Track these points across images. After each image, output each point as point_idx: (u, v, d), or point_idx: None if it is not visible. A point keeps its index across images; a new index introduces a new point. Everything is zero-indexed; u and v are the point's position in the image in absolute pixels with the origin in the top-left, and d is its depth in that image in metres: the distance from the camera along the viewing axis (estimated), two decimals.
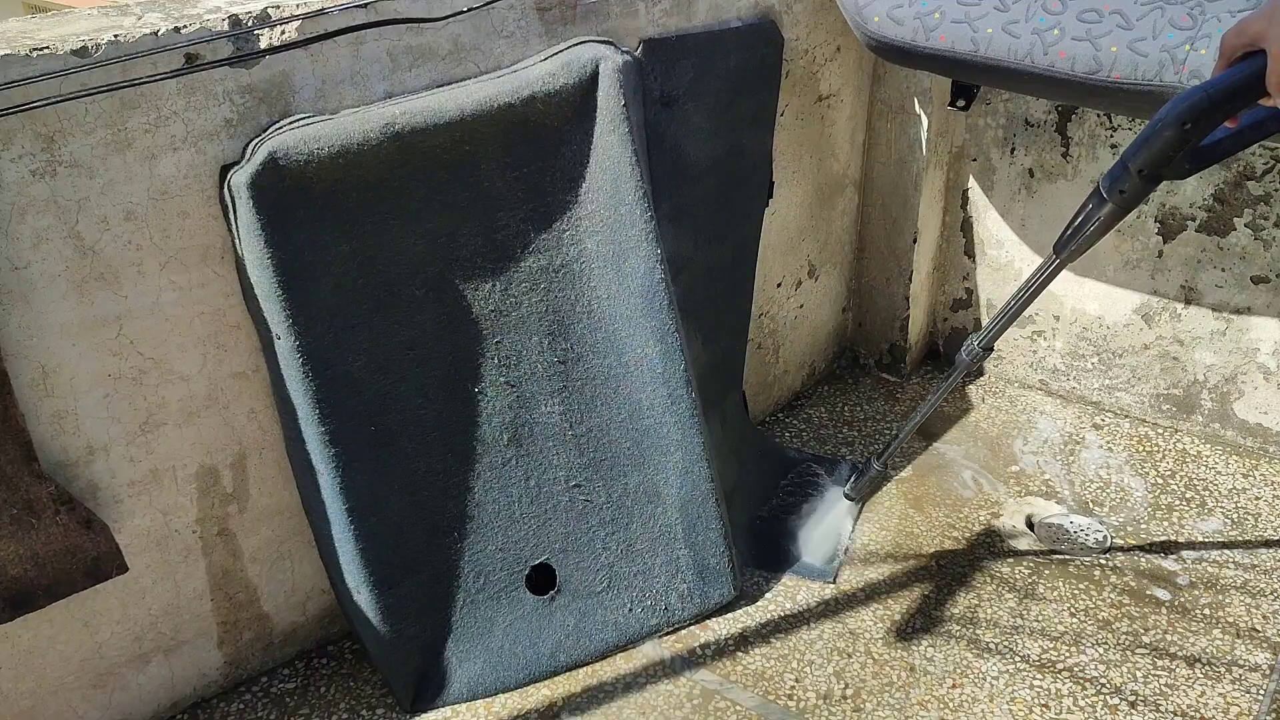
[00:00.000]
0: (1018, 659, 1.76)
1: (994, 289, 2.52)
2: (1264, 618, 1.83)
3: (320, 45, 1.45)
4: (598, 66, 1.63)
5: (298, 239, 1.46)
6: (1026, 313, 2.46)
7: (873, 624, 1.84)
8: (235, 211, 1.42)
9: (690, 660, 1.77)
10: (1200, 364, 2.28)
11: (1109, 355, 2.40)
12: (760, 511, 2.10)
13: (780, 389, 2.47)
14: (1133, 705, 1.67)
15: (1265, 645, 1.77)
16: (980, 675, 1.73)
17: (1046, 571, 1.95)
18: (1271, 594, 1.88)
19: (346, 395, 1.55)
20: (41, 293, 1.33)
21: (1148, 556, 1.98)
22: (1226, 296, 2.20)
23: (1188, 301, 2.25)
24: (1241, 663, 1.74)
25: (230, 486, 1.61)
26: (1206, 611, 1.85)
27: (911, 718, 1.66)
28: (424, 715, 1.67)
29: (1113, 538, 2.04)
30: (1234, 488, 2.17)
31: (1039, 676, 1.73)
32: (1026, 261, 2.43)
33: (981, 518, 2.10)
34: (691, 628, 1.83)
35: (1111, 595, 1.89)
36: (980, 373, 2.61)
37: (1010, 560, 1.98)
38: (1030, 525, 2.08)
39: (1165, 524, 2.07)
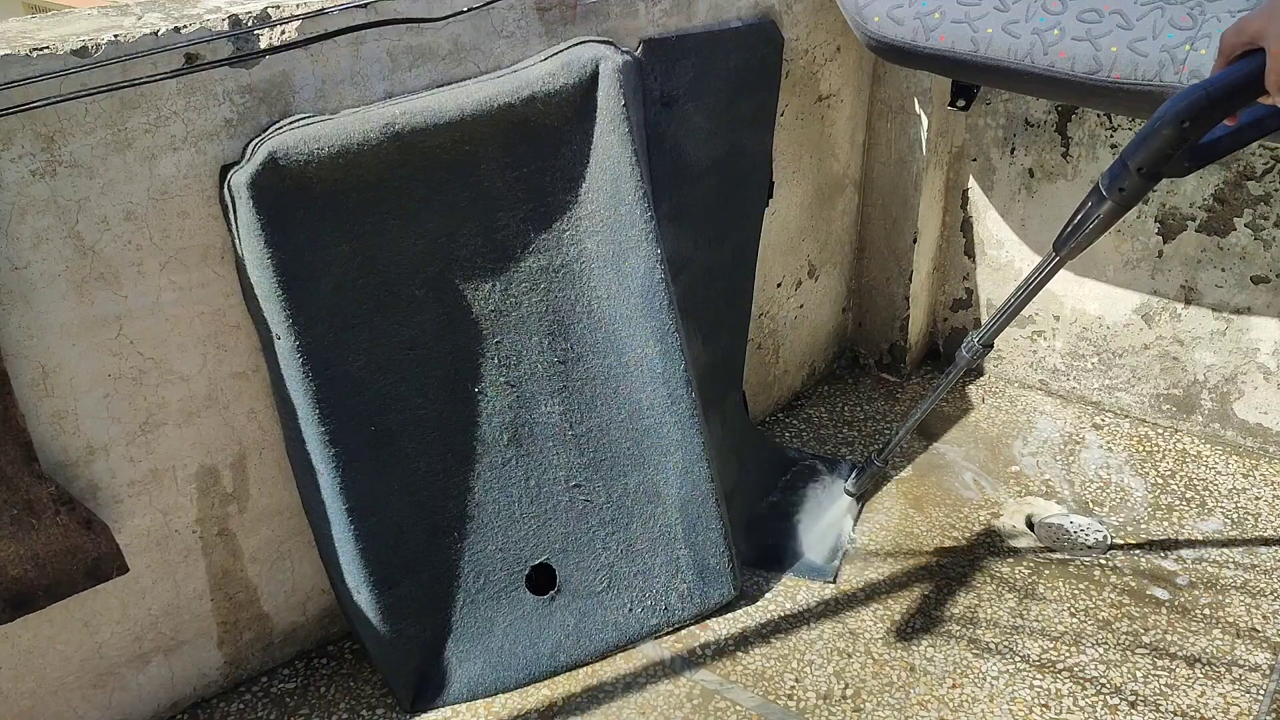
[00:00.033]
0: (1018, 659, 1.76)
1: (994, 289, 2.52)
2: (1264, 618, 1.83)
3: (320, 45, 1.45)
4: (598, 66, 1.63)
5: (298, 239, 1.46)
6: (1026, 313, 2.47)
7: (873, 624, 1.84)
8: (235, 211, 1.42)
9: (690, 660, 1.77)
10: (1200, 364, 2.28)
11: (1109, 355, 2.40)
12: (760, 508, 2.10)
13: (780, 389, 2.47)
14: (1133, 705, 1.67)
15: (1265, 645, 1.77)
16: (980, 675, 1.73)
17: (1046, 571, 1.95)
18: (1271, 594, 1.88)
19: (346, 395, 1.55)
20: (41, 293, 1.33)
21: (1148, 556, 1.98)
22: (1226, 296, 2.20)
23: (1188, 301, 2.25)
24: (1241, 663, 1.74)
25: (230, 486, 1.61)
26: (1206, 611, 1.85)
27: (911, 718, 1.66)
28: (424, 715, 1.67)
29: (1113, 538, 2.04)
30: (1234, 488, 2.17)
31: (1039, 676, 1.73)
32: (1026, 261, 2.43)
33: (981, 518, 2.10)
34: (691, 628, 1.83)
35: (1111, 595, 1.89)
36: (980, 373, 2.61)
37: (1010, 560, 1.98)
38: (1030, 525, 2.08)
39: (1165, 524, 2.07)
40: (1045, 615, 1.85)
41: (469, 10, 1.57)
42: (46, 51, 1.24)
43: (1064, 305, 2.42)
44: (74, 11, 1.42)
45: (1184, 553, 1.99)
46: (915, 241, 2.45)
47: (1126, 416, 2.41)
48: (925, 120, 2.32)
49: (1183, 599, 1.88)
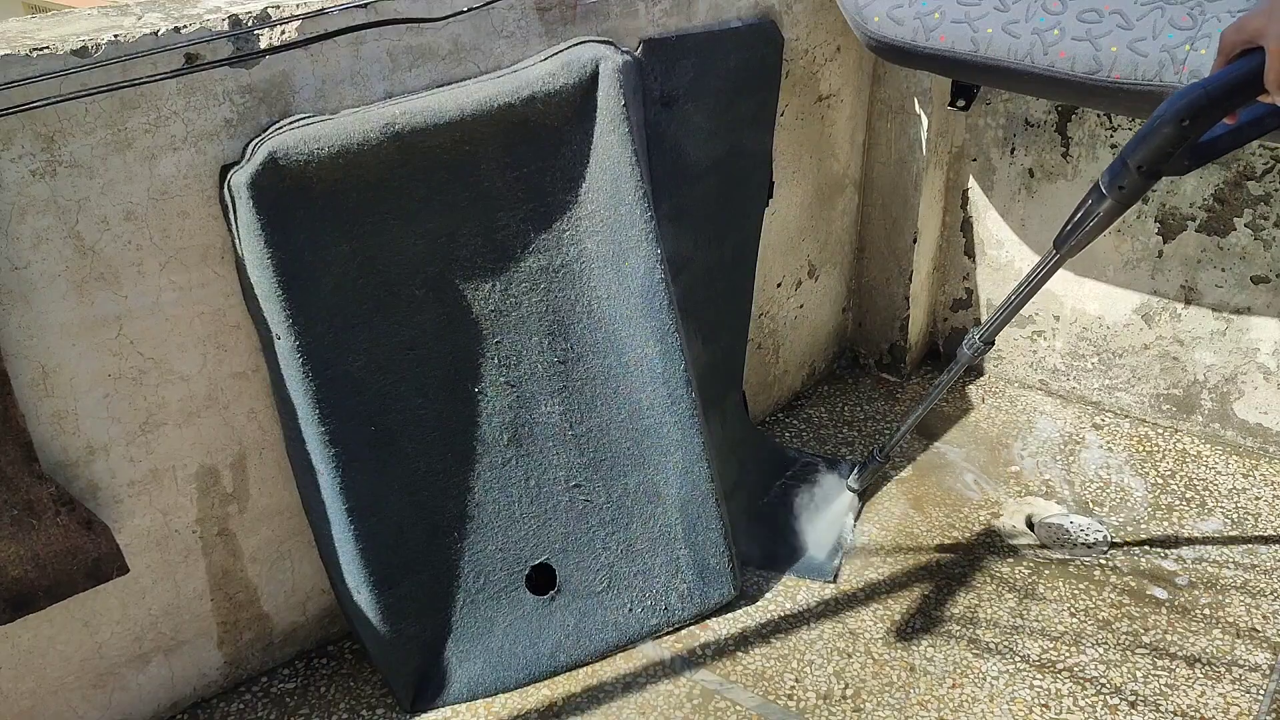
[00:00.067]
0: (1018, 659, 1.76)
1: (994, 289, 2.52)
2: (1264, 618, 1.83)
3: (320, 45, 1.45)
4: (598, 66, 1.63)
5: (298, 239, 1.46)
6: (1027, 313, 2.47)
7: (873, 624, 1.84)
8: (235, 211, 1.42)
9: (690, 660, 1.77)
10: (1200, 364, 2.28)
11: (1109, 355, 2.40)
12: (761, 506, 2.10)
13: (780, 389, 2.47)
14: (1133, 705, 1.67)
15: (1265, 645, 1.77)
16: (980, 675, 1.73)
17: (1046, 571, 1.95)
18: (1271, 594, 1.88)
19: (346, 395, 1.55)
20: (41, 293, 1.33)
21: (1148, 556, 1.98)
22: (1226, 296, 2.20)
23: (1188, 301, 2.25)
24: (1241, 663, 1.74)
25: (230, 486, 1.61)
26: (1206, 611, 1.85)
27: (911, 718, 1.66)
28: (424, 715, 1.67)
29: (1113, 538, 2.04)
30: (1234, 488, 2.17)
31: (1039, 676, 1.73)
32: (1026, 261, 2.43)
33: (981, 518, 2.10)
34: (691, 628, 1.83)
35: (1111, 595, 1.89)
36: (980, 373, 2.61)
37: (1010, 560, 1.98)
38: (1030, 525, 2.08)
39: (1165, 524, 2.07)
40: (1045, 615, 1.85)
41: (469, 10, 1.57)
42: (46, 51, 1.24)
43: (1064, 305, 2.42)
44: (74, 11, 1.42)
45: (1184, 553, 1.99)
46: (915, 241, 2.45)
47: (1126, 416, 2.41)
48: (925, 120, 2.32)
49: (1183, 599, 1.88)
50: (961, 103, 2.19)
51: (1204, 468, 2.24)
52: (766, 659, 1.77)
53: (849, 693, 1.70)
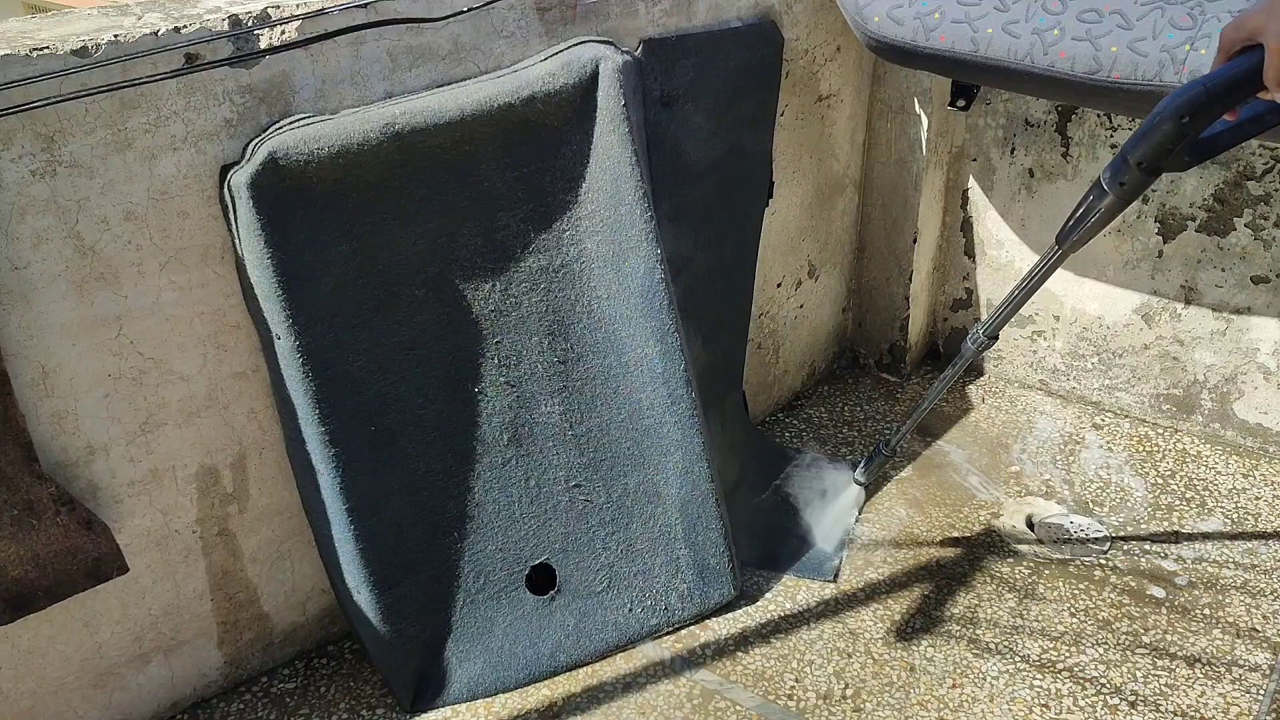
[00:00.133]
0: (1018, 659, 1.76)
1: (994, 289, 2.52)
2: (1264, 618, 1.83)
3: (320, 45, 1.45)
4: (598, 66, 1.63)
5: (298, 239, 1.46)
6: (1027, 313, 2.47)
7: (873, 624, 1.84)
8: (235, 211, 1.42)
9: (690, 660, 1.77)
10: (1200, 364, 2.28)
11: (1109, 355, 2.40)
12: (761, 501, 2.10)
13: (780, 389, 2.47)
14: (1133, 705, 1.67)
15: (1265, 645, 1.77)
16: (980, 675, 1.73)
17: (1046, 571, 1.95)
18: (1271, 594, 1.88)
19: (346, 395, 1.55)
20: (41, 293, 1.33)
21: (1148, 557, 1.98)
22: (1226, 296, 2.20)
23: (1188, 301, 2.25)
24: (1241, 663, 1.74)
25: (230, 486, 1.61)
26: (1206, 611, 1.85)
27: (911, 718, 1.66)
28: (424, 715, 1.67)
29: (1113, 538, 2.04)
30: (1234, 488, 2.17)
31: (1039, 676, 1.73)
32: (1026, 261, 2.43)
33: (981, 518, 2.10)
34: (691, 628, 1.83)
35: (1111, 595, 1.89)
36: (980, 373, 2.61)
37: (1010, 560, 1.98)
38: (1030, 525, 2.08)
39: (1165, 524, 2.07)
40: (1045, 615, 1.85)
41: (469, 10, 1.57)
42: (46, 51, 1.24)
43: (1064, 305, 2.42)
44: (74, 11, 1.42)
45: (1184, 553, 1.99)
46: (915, 241, 2.45)
47: (1126, 416, 2.41)
48: (925, 120, 2.32)
49: (1183, 599, 1.88)
50: (961, 103, 2.19)
51: (1204, 468, 2.24)
52: (766, 659, 1.77)
53: (849, 693, 1.70)
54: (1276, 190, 2.08)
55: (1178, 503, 2.13)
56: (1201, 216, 2.18)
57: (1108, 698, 1.68)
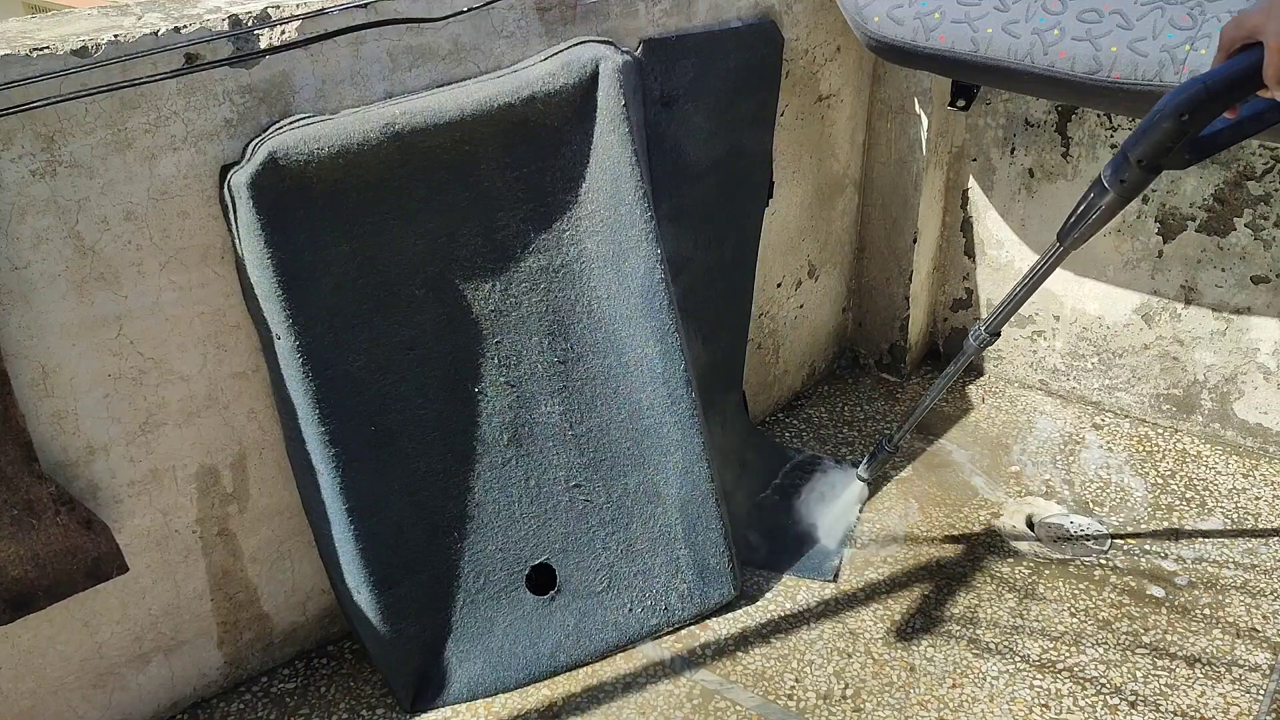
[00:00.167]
0: (1018, 659, 1.76)
1: (994, 289, 2.52)
2: (1264, 618, 1.83)
3: (320, 45, 1.45)
4: (598, 66, 1.63)
5: (298, 239, 1.46)
6: (1027, 313, 2.47)
7: (873, 624, 1.84)
8: (235, 211, 1.42)
9: (690, 660, 1.77)
10: (1200, 364, 2.28)
11: (1109, 355, 2.40)
12: (762, 499, 2.11)
13: (780, 389, 2.47)
14: (1133, 705, 1.67)
15: (1265, 645, 1.77)
16: (980, 675, 1.73)
17: (1046, 571, 1.95)
18: (1271, 594, 1.88)
19: (346, 395, 1.55)
20: (41, 293, 1.33)
21: (1148, 557, 1.98)
22: (1226, 296, 2.20)
23: (1188, 301, 2.25)
24: (1241, 663, 1.74)
25: (230, 486, 1.61)
26: (1206, 611, 1.85)
27: (911, 718, 1.66)
28: (424, 715, 1.67)
29: (1113, 538, 2.04)
30: (1234, 488, 2.17)
31: (1039, 676, 1.73)
32: (1026, 261, 2.43)
33: (981, 518, 2.10)
34: (691, 628, 1.83)
35: (1111, 595, 1.89)
36: (980, 373, 2.61)
37: (1010, 560, 1.98)
38: (1030, 525, 2.08)
39: (1165, 524, 2.07)
40: (1045, 615, 1.85)
41: (469, 10, 1.57)
42: (46, 51, 1.24)
43: (1064, 305, 2.42)
44: (74, 11, 1.42)
45: (1184, 553, 1.99)
46: (915, 241, 2.45)
47: (1126, 416, 2.41)
48: (925, 120, 2.32)
49: (1183, 599, 1.88)
50: (961, 103, 2.19)
51: (1204, 468, 2.24)
52: (766, 659, 1.77)
53: (849, 693, 1.70)
54: (1276, 190, 2.08)
55: (1178, 503, 2.13)
56: (1201, 216, 2.18)
57: (1108, 698, 1.68)
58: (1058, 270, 2.37)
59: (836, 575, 1.95)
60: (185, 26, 1.34)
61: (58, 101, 1.25)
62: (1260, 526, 2.06)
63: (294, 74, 1.44)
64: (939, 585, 1.92)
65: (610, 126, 1.65)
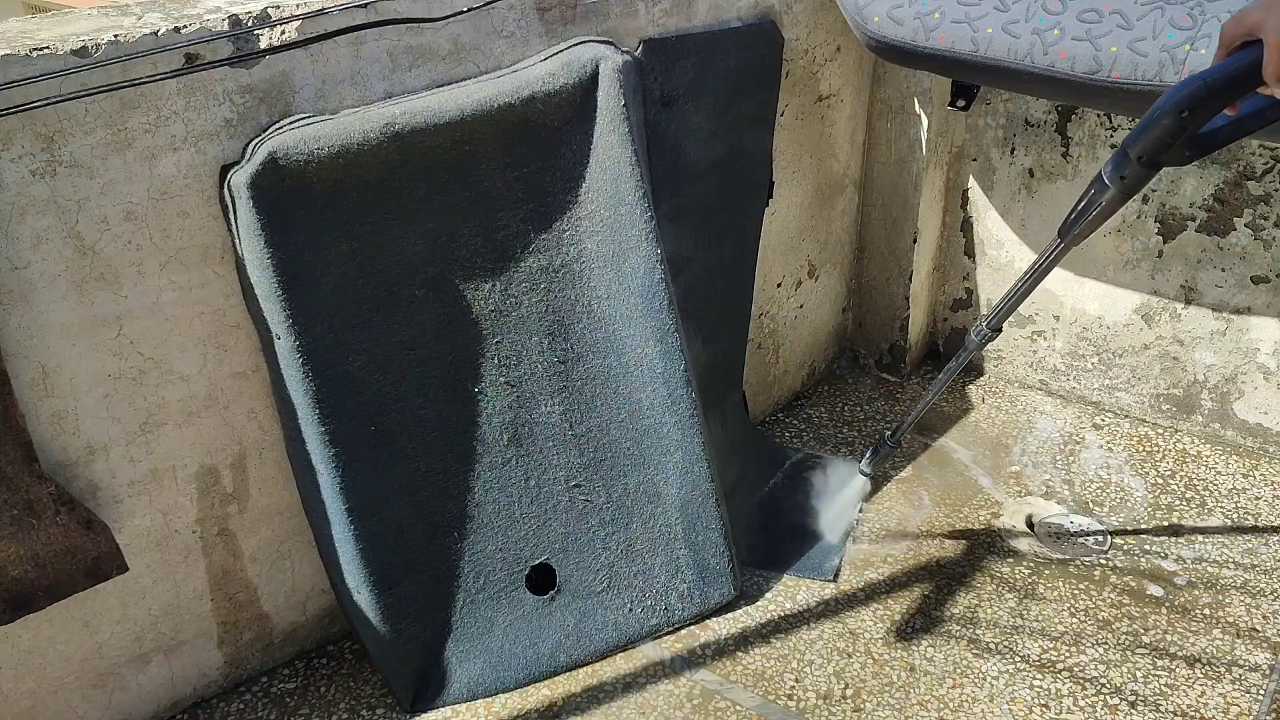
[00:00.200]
0: (1018, 659, 1.76)
1: (994, 289, 2.52)
2: (1264, 618, 1.83)
3: (320, 45, 1.45)
4: (598, 66, 1.63)
5: (298, 239, 1.46)
6: (1027, 313, 2.47)
7: (873, 624, 1.84)
8: (235, 211, 1.42)
9: (690, 660, 1.77)
10: (1200, 364, 2.28)
11: (1109, 355, 2.40)
12: (762, 496, 2.11)
13: (780, 389, 2.47)
14: (1133, 705, 1.67)
15: (1265, 645, 1.77)
16: (980, 675, 1.73)
17: (1046, 571, 1.95)
18: (1271, 594, 1.88)
19: (346, 395, 1.55)
20: (41, 293, 1.33)
21: (1148, 556, 1.98)
22: (1226, 296, 2.20)
23: (1188, 301, 2.25)
24: (1241, 663, 1.74)
25: (230, 486, 1.61)
26: (1206, 611, 1.85)
27: (911, 718, 1.66)
28: (424, 715, 1.67)
29: (1113, 538, 2.04)
30: (1234, 488, 2.17)
31: (1039, 676, 1.73)
32: (1026, 261, 2.43)
33: (981, 518, 2.10)
34: (691, 628, 1.83)
35: (1111, 595, 1.89)
36: (980, 373, 2.61)
37: (1010, 560, 1.98)
38: (1030, 525, 2.08)
39: (1165, 524, 2.07)
40: (1045, 615, 1.85)
41: (469, 10, 1.57)
42: (46, 51, 1.24)
43: (1064, 305, 2.42)
44: (74, 11, 1.42)
45: (1184, 553, 1.99)
46: (915, 241, 2.45)
47: (1126, 416, 2.41)
48: (925, 120, 2.32)
49: (1182, 599, 1.88)
50: (961, 103, 2.19)
51: (1204, 468, 2.24)
52: (766, 659, 1.77)
53: (849, 693, 1.70)
54: (1276, 190, 2.08)
55: (1178, 503, 2.13)
56: (1201, 216, 2.18)
57: (1108, 698, 1.68)
58: (1058, 270, 2.39)
59: (837, 575, 1.95)
60: (185, 26, 1.34)
61: (58, 101, 1.25)
62: (1260, 526, 2.06)
63: (294, 74, 1.44)
64: (939, 585, 1.92)
65: (610, 126, 1.65)
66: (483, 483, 1.70)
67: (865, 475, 2.07)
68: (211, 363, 1.52)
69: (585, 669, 1.75)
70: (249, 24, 1.39)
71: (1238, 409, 2.27)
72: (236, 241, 1.45)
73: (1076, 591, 1.90)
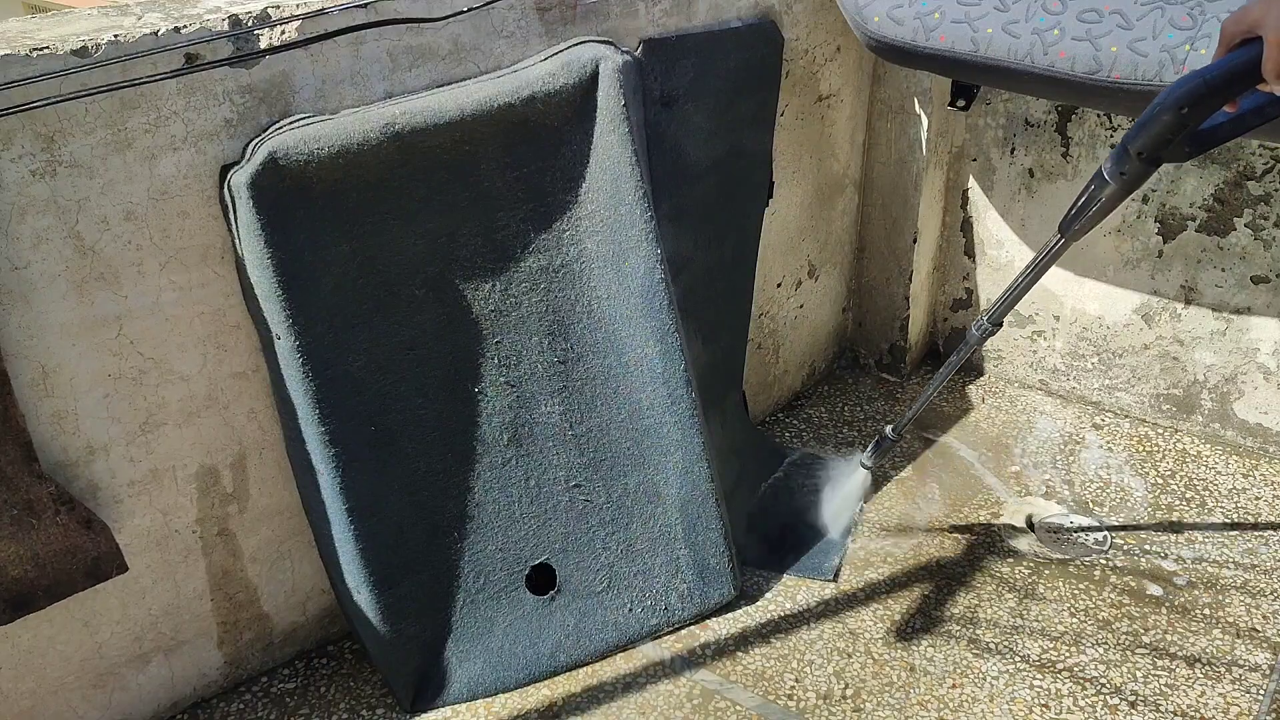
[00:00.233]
0: (1018, 659, 1.76)
1: (994, 289, 2.52)
2: (1264, 618, 1.83)
3: (320, 45, 1.45)
4: (598, 66, 1.63)
5: (298, 239, 1.46)
6: (1027, 313, 2.47)
7: (873, 624, 1.84)
8: (235, 211, 1.42)
9: (690, 660, 1.77)
10: (1200, 364, 2.28)
11: (1109, 355, 2.40)
12: (762, 490, 2.11)
13: (780, 389, 2.47)
14: (1133, 705, 1.67)
15: (1265, 645, 1.77)
16: (980, 675, 1.73)
17: (1046, 571, 1.95)
18: (1271, 594, 1.88)
19: (346, 395, 1.55)
20: (41, 293, 1.33)
21: (1148, 556, 1.98)
22: (1226, 296, 2.20)
23: (1188, 301, 2.25)
24: (1241, 663, 1.74)
25: (230, 486, 1.61)
26: (1206, 611, 1.85)
27: (911, 718, 1.66)
28: (424, 715, 1.67)
29: (1113, 538, 2.04)
30: (1234, 488, 2.17)
31: (1039, 676, 1.73)
32: (1026, 261, 2.43)
33: (981, 518, 2.10)
34: (691, 628, 1.83)
35: (1111, 595, 1.89)
36: (980, 373, 2.61)
37: (1010, 560, 1.98)
38: (1030, 525, 2.08)
39: (1165, 524, 2.07)
40: (1045, 615, 1.85)
41: (469, 10, 1.57)
42: (46, 51, 1.24)
43: (1064, 305, 2.42)
44: (74, 11, 1.42)
45: (1184, 553, 1.99)
46: (915, 241, 2.45)
47: (1126, 416, 2.41)
48: (925, 120, 2.32)
49: (1182, 599, 1.88)
50: (961, 103, 2.19)
51: (1204, 468, 2.24)
52: (766, 659, 1.77)
53: (849, 693, 1.70)
54: (1276, 190, 2.08)
55: (1178, 503, 2.13)
56: (1201, 216, 2.18)
57: (1108, 698, 1.68)
58: (1058, 271, 2.39)
59: (837, 575, 1.95)
60: (185, 26, 1.34)
61: (58, 101, 1.25)
62: (1260, 526, 2.06)
63: (294, 74, 1.44)
64: (939, 585, 1.92)
65: (610, 126, 1.65)
66: (483, 483, 1.70)
67: (866, 469, 2.07)
68: (211, 363, 1.52)
69: (585, 669, 1.75)
70: (249, 24, 1.39)
71: (1238, 409, 2.27)
72: (236, 241, 1.45)
73: (1076, 591, 1.90)
